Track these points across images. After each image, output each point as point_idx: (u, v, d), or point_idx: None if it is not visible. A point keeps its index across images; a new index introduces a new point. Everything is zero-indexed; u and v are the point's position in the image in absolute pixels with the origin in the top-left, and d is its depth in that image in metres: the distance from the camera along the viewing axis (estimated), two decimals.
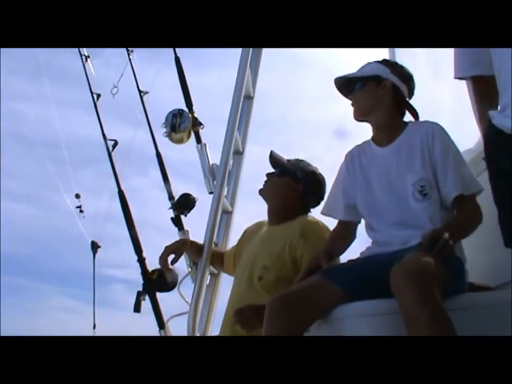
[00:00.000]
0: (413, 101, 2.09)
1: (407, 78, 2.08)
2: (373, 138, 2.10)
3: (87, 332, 3.46)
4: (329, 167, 2.21)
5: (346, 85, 2.10)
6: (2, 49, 2.70)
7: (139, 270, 2.86)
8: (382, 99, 2.03)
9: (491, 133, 1.82)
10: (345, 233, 2.14)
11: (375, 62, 2.10)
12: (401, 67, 2.11)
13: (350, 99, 2.10)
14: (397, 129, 2.03)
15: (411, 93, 2.09)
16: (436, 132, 1.95)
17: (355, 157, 2.11)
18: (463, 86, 2.17)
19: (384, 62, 2.10)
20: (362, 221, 2.11)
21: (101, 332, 3.49)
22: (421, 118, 2.08)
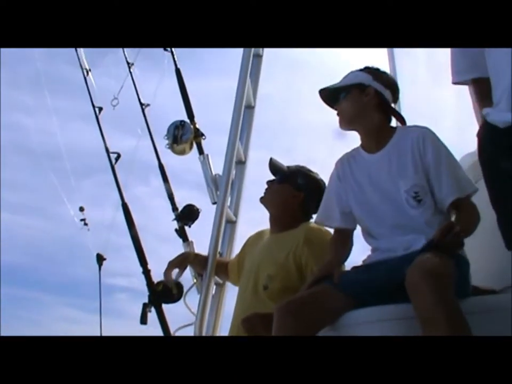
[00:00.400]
0: (414, 104, 2.09)
1: (391, 84, 2.09)
2: (362, 145, 2.09)
3: None
4: (330, 171, 2.19)
5: (331, 96, 2.11)
6: (3, 61, 2.72)
7: (142, 279, 2.85)
8: (366, 106, 2.03)
9: (488, 131, 1.81)
10: (345, 241, 2.12)
11: (358, 70, 2.10)
12: (384, 73, 2.12)
13: (336, 109, 2.10)
14: (386, 135, 2.02)
15: (396, 98, 2.10)
16: (427, 136, 1.95)
17: (345, 164, 2.11)
18: (464, 89, 2.17)
19: (367, 69, 2.10)
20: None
21: None
22: (423, 122, 2.08)
